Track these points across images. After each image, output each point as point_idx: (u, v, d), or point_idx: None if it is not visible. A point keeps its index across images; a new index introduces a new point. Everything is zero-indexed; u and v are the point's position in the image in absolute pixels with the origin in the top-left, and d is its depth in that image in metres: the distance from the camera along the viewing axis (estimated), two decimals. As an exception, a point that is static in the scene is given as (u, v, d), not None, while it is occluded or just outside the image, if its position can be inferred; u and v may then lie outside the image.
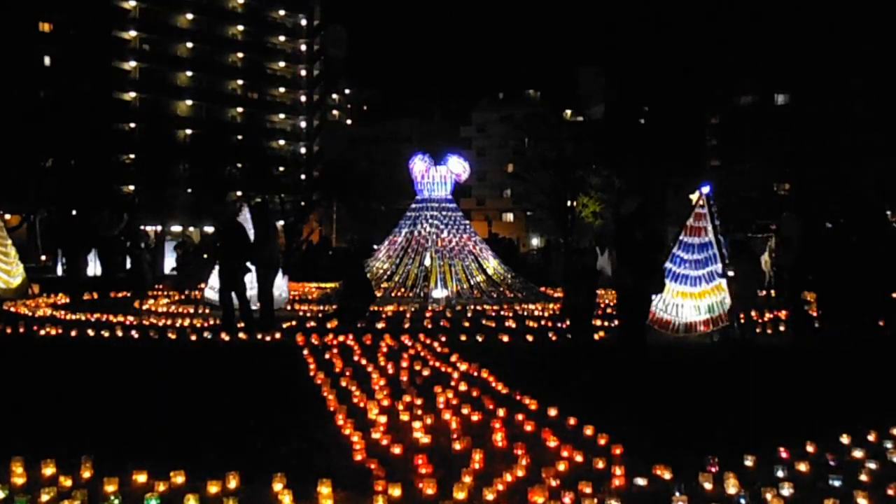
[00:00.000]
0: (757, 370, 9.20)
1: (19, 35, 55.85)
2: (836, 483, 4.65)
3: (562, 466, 4.93)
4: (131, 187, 57.49)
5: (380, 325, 12.55)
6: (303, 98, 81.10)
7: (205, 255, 20.58)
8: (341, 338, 10.84)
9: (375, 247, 22.94)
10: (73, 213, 21.29)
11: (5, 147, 42.21)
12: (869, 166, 46.42)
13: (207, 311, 15.37)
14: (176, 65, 71.82)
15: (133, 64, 69.09)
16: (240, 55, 76.17)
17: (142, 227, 43.54)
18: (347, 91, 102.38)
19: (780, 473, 4.78)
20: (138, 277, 18.39)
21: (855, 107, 50.84)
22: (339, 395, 7.00)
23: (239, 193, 57.23)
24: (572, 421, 6.01)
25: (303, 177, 71.33)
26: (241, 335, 11.46)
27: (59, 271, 33.05)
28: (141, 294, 17.94)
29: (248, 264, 12.35)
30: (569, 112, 65.72)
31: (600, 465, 4.96)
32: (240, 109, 75.74)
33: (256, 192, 56.06)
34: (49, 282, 24.58)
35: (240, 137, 66.21)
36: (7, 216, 45.33)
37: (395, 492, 4.48)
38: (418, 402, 6.75)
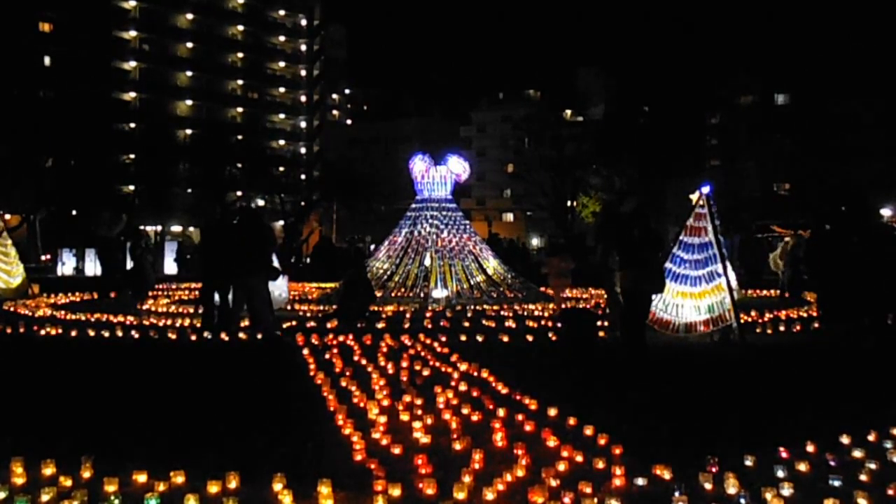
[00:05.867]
0: (757, 370, 9.21)
1: (19, 35, 55.86)
2: (836, 483, 4.65)
3: (562, 466, 4.92)
4: (131, 187, 57.52)
5: (380, 325, 12.55)
6: (303, 98, 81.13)
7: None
8: (341, 338, 10.84)
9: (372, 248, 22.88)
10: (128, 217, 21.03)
11: (5, 147, 42.22)
12: (869, 167, 46.41)
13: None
14: (176, 65, 71.85)
15: (133, 64, 69.11)
16: (240, 55, 76.19)
17: (141, 227, 43.52)
18: (347, 91, 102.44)
19: (780, 473, 4.78)
20: (140, 277, 18.39)
21: (855, 107, 50.84)
22: (339, 395, 7.00)
23: (239, 193, 57.31)
24: (572, 421, 6.01)
25: (303, 177, 71.39)
26: (242, 335, 11.45)
27: (59, 271, 33.15)
28: (142, 294, 17.94)
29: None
30: (569, 112, 65.75)
31: (600, 465, 4.96)
32: (240, 109, 75.77)
33: (256, 192, 56.25)
34: (49, 282, 24.60)
35: (240, 137, 66.26)
36: (7, 216, 45.39)
37: (395, 492, 4.48)
38: (418, 402, 6.75)
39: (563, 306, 15.67)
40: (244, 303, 11.98)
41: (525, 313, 15.17)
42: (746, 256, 21.66)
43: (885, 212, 40.44)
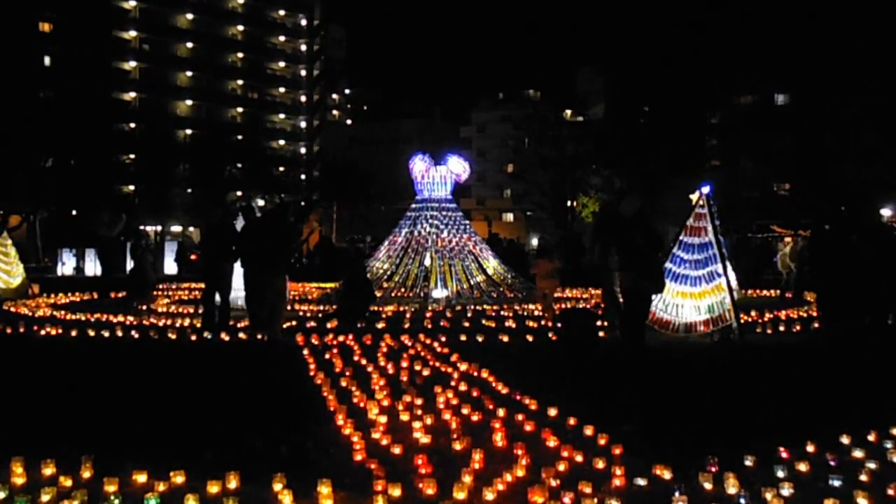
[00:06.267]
0: (757, 370, 9.20)
1: (19, 35, 55.85)
2: (836, 483, 4.65)
3: (562, 466, 4.93)
4: (131, 187, 57.52)
5: (380, 325, 12.55)
6: (303, 98, 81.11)
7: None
8: (341, 338, 10.84)
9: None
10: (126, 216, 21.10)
11: (5, 147, 42.22)
12: (869, 167, 46.38)
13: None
14: (176, 65, 71.82)
15: (133, 64, 69.09)
16: (240, 55, 76.16)
17: (141, 227, 43.47)
18: (347, 91, 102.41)
19: (780, 473, 4.78)
20: (140, 278, 18.41)
21: (855, 107, 50.80)
22: (339, 395, 7.00)
23: (239, 193, 57.30)
24: (572, 421, 6.01)
25: (303, 177, 71.40)
26: (242, 335, 11.46)
27: (59, 271, 33.15)
28: (142, 295, 17.94)
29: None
30: (569, 112, 65.66)
31: (600, 465, 4.96)
32: (240, 109, 75.74)
33: (256, 192, 56.20)
34: (49, 282, 24.60)
35: (240, 137, 66.25)
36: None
37: (395, 492, 4.48)
38: (418, 402, 6.75)
39: (556, 307, 15.67)
40: (271, 301, 11.87)
41: (525, 313, 15.16)
42: (739, 257, 21.67)
43: (885, 212, 40.45)
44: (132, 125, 65.08)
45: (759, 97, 60.27)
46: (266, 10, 77.75)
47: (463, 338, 11.08)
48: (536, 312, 15.31)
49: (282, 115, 79.31)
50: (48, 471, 4.77)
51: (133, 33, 69.19)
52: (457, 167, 18.57)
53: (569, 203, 56.96)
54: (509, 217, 79.30)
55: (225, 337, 11.29)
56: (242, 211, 13.50)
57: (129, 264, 19.17)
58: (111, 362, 9.57)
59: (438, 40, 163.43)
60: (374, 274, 17.80)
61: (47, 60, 60.52)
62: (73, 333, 11.60)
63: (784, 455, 5.10)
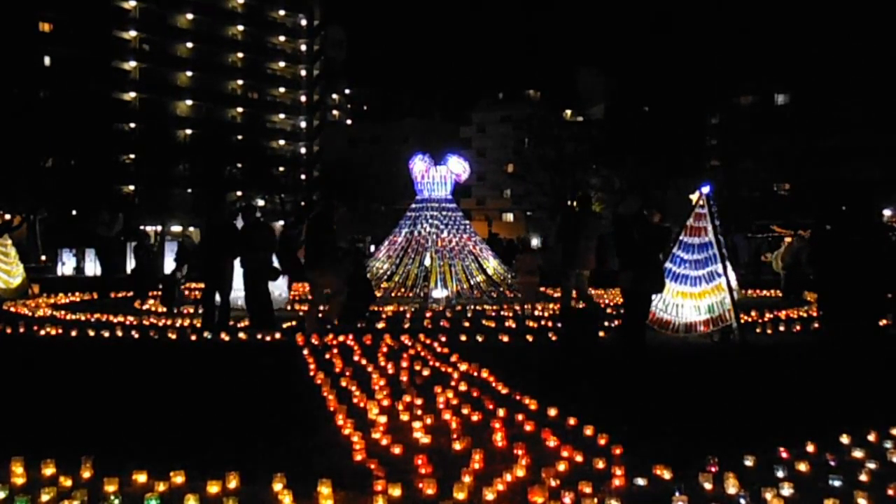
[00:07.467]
0: (757, 370, 9.20)
1: (19, 35, 55.87)
2: (836, 483, 4.65)
3: (562, 466, 4.92)
4: (131, 187, 57.53)
5: (380, 325, 12.55)
6: (303, 98, 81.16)
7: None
8: (341, 338, 10.84)
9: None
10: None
11: (5, 147, 42.23)
12: (869, 167, 46.39)
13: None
14: (176, 65, 71.87)
15: (133, 64, 69.13)
16: (240, 55, 76.22)
17: (141, 228, 43.42)
18: (347, 91, 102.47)
19: (780, 473, 4.78)
20: (141, 278, 18.44)
21: (855, 107, 50.82)
22: (339, 395, 7.00)
23: (239, 193, 57.30)
24: (572, 421, 6.01)
25: (303, 177, 71.42)
26: (242, 335, 11.46)
27: (59, 271, 33.15)
28: (143, 295, 17.96)
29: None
30: (569, 112, 65.71)
31: (600, 465, 4.96)
32: (240, 109, 75.78)
33: (256, 192, 56.18)
34: (49, 282, 24.60)
35: (240, 137, 66.25)
36: (7, 216, 45.38)
37: (395, 492, 4.48)
38: (418, 402, 6.75)
39: (555, 306, 15.66)
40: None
41: (525, 313, 15.16)
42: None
43: (885, 212, 40.46)
44: (132, 125, 65.08)
45: (759, 97, 60.28)
46: (266, 10, 77.82)
47: (463, 338, 11.07)
48: (536, 312, 15.32)
49: (282, 115, 79.35)
50: (48, 471, 4.77)
51: (133, 33, 69.24)
52: (457, 167, 18.57)
53: (569, 203, 56.98)
54: (509, 217, 79.32)
55: (225, 337, 11.30)
56: (242, 211, 13.49)
57: (130, 264, 19.19)
58: (111, 362, 9.57)
59: (438, 41, 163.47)
60: (374, 274, 17.80)
61: (47, 60, 60.56)
62: (73, 333, 11.61)
63: (784, 455, 5.10)
